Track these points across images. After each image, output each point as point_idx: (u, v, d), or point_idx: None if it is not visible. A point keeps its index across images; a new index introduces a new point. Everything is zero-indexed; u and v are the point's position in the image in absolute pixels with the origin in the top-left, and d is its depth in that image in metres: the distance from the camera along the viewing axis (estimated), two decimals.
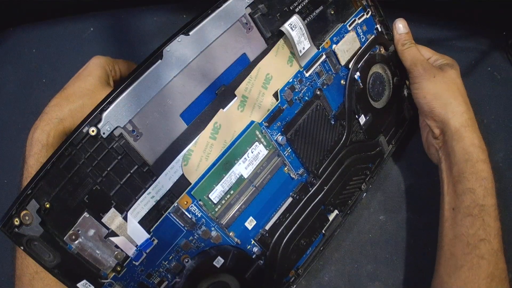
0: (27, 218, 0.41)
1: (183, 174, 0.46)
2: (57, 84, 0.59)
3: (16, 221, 0.41)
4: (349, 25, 0.56)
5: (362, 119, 0.58)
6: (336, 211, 0.58)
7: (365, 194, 0.61)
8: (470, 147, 0.52)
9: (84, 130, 0.42)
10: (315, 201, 0.55)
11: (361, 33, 0.57)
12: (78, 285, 0.43)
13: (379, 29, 0.59)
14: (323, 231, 0.57)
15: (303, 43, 0.52)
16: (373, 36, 0.58)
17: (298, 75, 0.52)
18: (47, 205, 0.42)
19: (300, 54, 0.52)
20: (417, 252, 0.60)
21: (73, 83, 0.54)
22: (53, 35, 0.69)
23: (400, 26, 0.58)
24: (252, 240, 0.52)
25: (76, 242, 0.43)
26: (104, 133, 0.43)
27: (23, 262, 0.49)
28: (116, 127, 0.43)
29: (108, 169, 0.44)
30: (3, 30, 0.68)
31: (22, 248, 0.41)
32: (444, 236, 0.52)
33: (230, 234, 0.50)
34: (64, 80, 0.60)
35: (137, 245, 0.45)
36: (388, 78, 0.61)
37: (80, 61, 0.61)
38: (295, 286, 0.57)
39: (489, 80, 0.68)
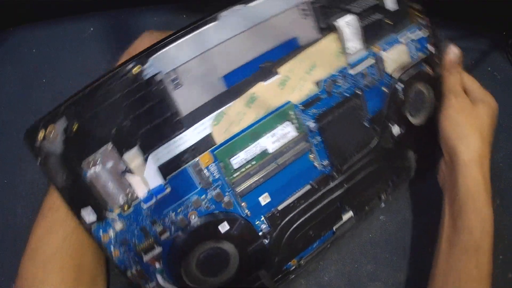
0: (52, 133, 0.37)
1: (211, 133, 0.41)
2: (57, 84, 0.57)
3: (42, 133, 0.36)
4: (402, 38, 0.49)
5: (396, 130, 0.51)
6: (351, 213, 0.50)
7: (383, 204, 0.53)
8: (473, 186, 0.45)
9: (128, 67, 0.38)
10: (333, 196, 0.48)
11: (412, 49, 0.50)
12: (82, 210, 0.38)
13: (431, 50, 0.52)
14: (334, 229, 0.50)
15: (354, 42, 0.46)
16: (423, 55, 0.51)
17: (343, 70, 0.46)
18: (75, 126, 0.37)
19: (349, 52, 0.46)
20: (417, 252, 0.53)
21: None
22: (53, 35, 0.62)
23: (453, 52, 0.51)
24: (262, 216, 0.45)
25: (92, 170, 0.38)
26: (146, 75, 0.39)
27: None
28: (159, 72, 0.39)
29: (142, 109, 0.39)
30: (3, 30, 0.62)
31: (38, 162, 0.37)
32: (439, 266, 0.45)
33: (242, 204, 0.43)
34: (64, 80, 0.58)
35: (150, 189, 0.40)
36: (430, 98, 0.53)
37: (80, 61, 0.59)
38: (293, 276, 0.49)
39: (489, 80, 0.60)
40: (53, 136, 0.37)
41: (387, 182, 0.52)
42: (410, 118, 0.52)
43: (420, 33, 0.51)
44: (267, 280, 0.47)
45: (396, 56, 0.49)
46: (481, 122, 0.48)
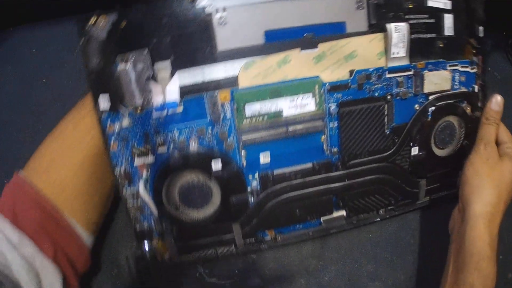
0: (102, 22, 0.39)
1: (237, 76, 0.41)
2: (57, 84, 0.55)
3: (94, 19, 0.39)
4: (450, 66, 0.47)
5: (415, 151, 0.48)
6: (343, 212, 0.48)
7: (378, 219, 0.50)
8: (479, 242, 0.41)
9: None
10: (330, 186, 0.46)
11: (457, 80, 0.48)
12: (101, 95, 0.39)
13: (475, 90, 0.50)
14: (322, 220, 0.47)
15: (399, 49, 0.45)
16: (465, 90, 0.49)
17: (380, 70, 0.45)
18: (123, 24, 0.39)
19: (391, 56, 0.45)
20: (417, 252, 0.51)
21: None
22: (53, 35, 0.57)
23: (496, 101, 0.48)
24: (256, 172, 0.44)
25: (123, 65, 0.40)
26: (198, 4, 0.40)
27: (62, 120, 0.43)
28: (211, 5, 0.40)
29: (185, 31, 0.40)
30: (3, 30, 0.58)
31: (81, 42, 0.39)
32: None
33: (242, 152, 0.43)
34: (64, 80, 0.55)
35: (165, 101, 0.40)
36: (459, 135, 0.50)
37: (80, 61, 0.53)
38: (265, 245, 0.47)
39: (489, 80, 0.55)
40: (102, 25, 0.39)
41: (390, 199, 0.49)
42: (433, 146, 0.49)
43: (469, 69, 0.49)
44: (238, 236, 0.45)
45: (437, 79, 0.47)
46: (502, 178, 0.44)
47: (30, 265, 0.38)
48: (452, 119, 0.49)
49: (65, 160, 0.42)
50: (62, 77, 0.55)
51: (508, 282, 0.49)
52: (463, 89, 0.49)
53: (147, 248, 0.44)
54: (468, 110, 0.50)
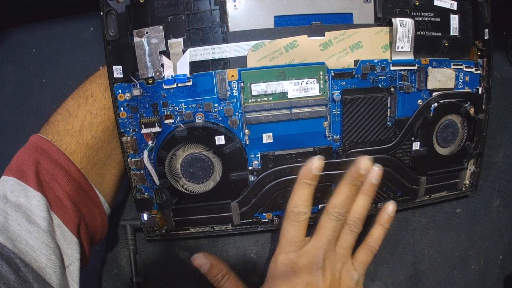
0: None
1: (246, 56, 0.46)
2: (57, 84, 0.58)
3: None
4: (454, 65, 0.52)
5: (416, 146, 0.52)
6: None
7: (376, 213, 0.53)
8: None
9: None
10: (329, 172, 0.49)
11: (461, 80, 0.52)
12: (114, 66, 0.44)
13: (479, 92, 0.54)
14: (319, 206, 0.51)
15: (404, 43, 0.49)
16: (469, 90, 0.53)
17: (384, 62, 0.49)
18: (142, 0, 0.44)
19: (396, 50, 0.49)
20: (417, 252, 0.55)
21: None
22: (53, 35, 0.59)
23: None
24: (258, 152, 0.48)
25: (139, 39, 0.45)
26: None
27: (86, 84, 0.47)
28: None
29: (199, 11, 0.45)
30: (3, 30, 0.60)
31: (101, 11, 0.44)
32: None
33: (246, 131, 0.47)
34: (64, 80, 0.57)
35: (175, 74, 0.45)
36: (461, 135, 0.54)
37: (80, 61, 0.59)
38: (262, 228, 0.51)
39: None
40: None
41: (389, 193, 0.52)
42: (435, 143, 0.53)
43: (473, 70, 0.53)
44: (236, 215, 0.48)
45: (441, 76, 0.51)
46: None
47: (51, 239, 0.36)
48: (455, 118, 0.53)
49: (98, 122, 0.44)
50: (62, 77, 0.58)
51: (508, 281, 0.49)
52: (467, 90, 0.53)
53: (145, 219, 0.48)
54: (472, 111, 0.54)
